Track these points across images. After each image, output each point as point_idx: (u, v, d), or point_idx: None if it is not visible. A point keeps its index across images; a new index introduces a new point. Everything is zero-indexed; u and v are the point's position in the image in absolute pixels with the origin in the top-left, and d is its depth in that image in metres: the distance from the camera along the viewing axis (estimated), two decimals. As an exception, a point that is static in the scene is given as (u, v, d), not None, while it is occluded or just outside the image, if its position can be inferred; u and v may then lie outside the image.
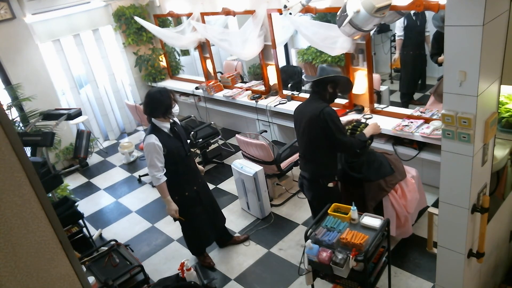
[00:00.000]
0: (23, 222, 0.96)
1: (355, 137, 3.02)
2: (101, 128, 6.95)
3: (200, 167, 3.61)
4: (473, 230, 2.30)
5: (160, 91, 3.11)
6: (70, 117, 4.37)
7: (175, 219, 3.40)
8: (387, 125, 3.95)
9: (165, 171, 3.14)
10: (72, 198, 4.67)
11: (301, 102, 3.20)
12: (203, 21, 5.59)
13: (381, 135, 4.03)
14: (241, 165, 4.20)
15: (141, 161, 6.10)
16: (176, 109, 3.22)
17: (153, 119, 3.14)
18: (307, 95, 4.63)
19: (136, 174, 5.68)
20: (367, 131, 3.07)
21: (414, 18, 4.95)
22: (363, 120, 3.35)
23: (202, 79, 6.38)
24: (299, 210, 4.32)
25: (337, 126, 2.88)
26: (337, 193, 3.19)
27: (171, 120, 3.19)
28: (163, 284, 2.95)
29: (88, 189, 5.58)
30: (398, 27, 5.09)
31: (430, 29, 5.07)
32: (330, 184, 3.08)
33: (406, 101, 5.39)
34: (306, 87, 5.98)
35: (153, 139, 3.04)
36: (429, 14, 4.95)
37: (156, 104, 3.07)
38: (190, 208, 3.40)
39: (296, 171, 4.41)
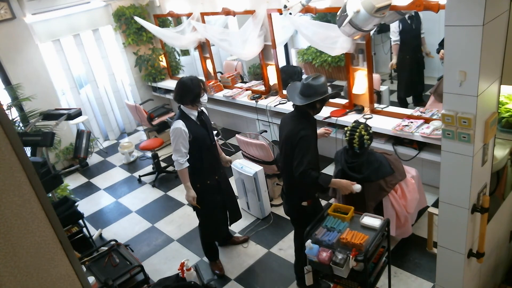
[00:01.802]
0: (23, 222, 0.96)
1: (320, 175, 2.75)
2: (101, 128, 6.96)
3: (226, 157, 3.61)
4: (473, 230, 2.30)
5: (191, 79, 3.16)
6: (70, 117, 4.37)
7: (193, 208, 3.46)
8: (387, 125, 3.95)
9: (188, 157, 3.17)
10: (72, 198, 4.67)
11: (287, 113, 3.05)
12: (203, 21, 5.59)
13: (381, 135, 4.03)
14: (241, 165, 4.20)
15: (141, 161, 6.10)
16: (204, 98, 3.21)
17: (182, 106, 3.19)
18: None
19: (136, 174, 5.68)
20: (334, 183, 2.84)
21: (409, 21, 4.92)
22: (362, 120, 3.35)
23: (202, 79, 6.36)
24: (299, 210, 4.31)
25: (301, 155, 2.69)
26: (311, 213, 2.95)
27: (199, 109, 3.24)
28: (163, 284, 2.95)
29: (88, 189, 5.58)
30: (393, 32, 5.04)
31: (425, 31, 5.05)
32: (304, 203, 2.93)
33: (403, 105, 5.29)
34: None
35: (180, 124, 3.09)
36: (423, 16, 4.95)
37: (186, 91, 3.12)
38: (210, 196, 3.41)
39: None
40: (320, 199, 3.15)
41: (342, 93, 4.75)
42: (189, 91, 3.11)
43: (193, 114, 3.20)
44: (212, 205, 3.45)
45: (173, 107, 7.23)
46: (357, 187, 2.82)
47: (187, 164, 3.18)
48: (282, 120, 3.03)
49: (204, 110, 3.37)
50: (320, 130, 3.13)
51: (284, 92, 5.18)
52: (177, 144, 3.10)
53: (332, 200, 3.76)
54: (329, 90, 2.85)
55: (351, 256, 2.38)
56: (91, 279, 3.00)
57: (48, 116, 4.50)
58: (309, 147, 2.74)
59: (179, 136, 3.08)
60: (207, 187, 3.37)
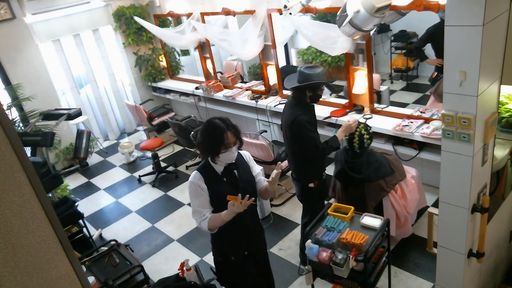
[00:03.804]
0: (23, 222, 0.96)
1: (327, 142, 3.05)
2: (101, 128, 6.96)
3: (278, 169, 2.30)
4: (473, 230, 2.30)
5: (215, 125, 2.25)
6: (70, 117, 4.37)
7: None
8: (387, 125, 3.95)
9: (212, 209, 2.36)
10: (72, 198, 4.67)
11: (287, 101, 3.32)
12: (203, 21, 5.59)
13: (381, 135, 4.03)
14: (241, 165, 4.19)
15: (141, 161, 6.10)
16: (229, 155, 2.27)
17: None
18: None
19: (136, 174, 5.68)
20: (339, 134, 3.12)
21: None
22: (362, 120, 3.35)
23: (202, 79, 6.38)
24: (299, 210, 4.31)
25: (307, 137, 2.97)
26: (319, 194, 3.28)
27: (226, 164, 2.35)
28: (163, 284, 2.95)
29: (88, 189, 5.59)
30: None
31: (427, 24, 4.99)
32: (311, 185, 3.18)
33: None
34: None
35: (196, 178, 2.32)
36: (423, 16, 4.90)
37: (203, 138, 2.31)
38: (232, 276, 2.64)
39: (296, 171, 4.41)
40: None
41: (342, 93, 4.75)
42: (205, 139, 2.29)
43: (219, 168, 2.35)
44: (232, 281, 2.68)
45: (173, 107, 7.23)
46: (352, 119, 3.16)
47: (210, 216, 2.34)
48: (283, 110, 3.27)
49: (245, 158, 2.48)
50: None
51: (284, 92, 5.18)
52: (193, 203, 2.36)
53: (332, 200, 3.76)
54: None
55: (351, 256, 2.38)
56: (91, 279, 3.00)
57: (48, 116, 4.50)
58: (309, 129, 2.97)
59: (193, 193, 2.34)
60: (229, 264, 2.55)
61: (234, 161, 2.35)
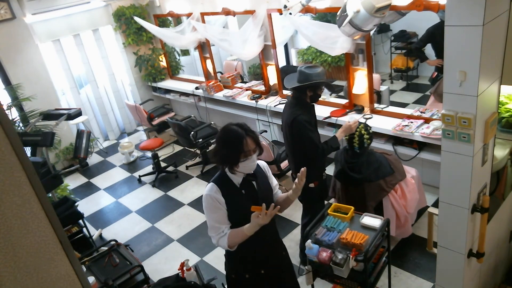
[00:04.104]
0: (23, 222, 0.96)
1: (327, 143, 3.06)
2: (101, 128, 6.96)
3: (292, 193, 2.20)
4: (473, 230, 2.30)
5: (234, 131, 2.06)
6: (70, 117, 4.37)
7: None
8: (387, 125, 3.95)
9: (230, 224, 2.17)
10: (72, 198, 4.67)
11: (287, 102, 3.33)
12: (203, 21, 5.59)
13: (381, 135, 4.03)
14: (241, 165, 4.19)
15: (141, 161, 6.10)
16: (248, 164, 2.08)
17: None
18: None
19: (136, 174, 5.68)
20: (339, 134, 3.14)
21: None
22: (362, 120, 3.35)
23: (202, 79, 6.38)
24: (299, 210, 4.30)
25: (307, 137, 2.98)
26: (319, 194, 3.28)
27: (244, 174, 2.16)
28: (163, 284, 2.95)
29: (88, 189, 5.58)
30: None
31: (427, 24, 4.99)
32: (311, 185, 3.16)
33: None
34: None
35: (213, 191, 2.11)
36: (423, 16, 4.91)
37: (220, 145, 2.12)
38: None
39: (296, 171, 4.41)
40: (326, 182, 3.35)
41: (342, 93, 4.75)
42: (222, 148, 2.09)
43: (237, 179, 2.16)
44: None
45: (173, 107, 7.23)
46: (352, 119, 3.18)
47: (229, 232, 2.16)
48: (283, 110, 3.28)
49: (263, 168, 2.29)
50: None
51: (284, 92, 5.19)
52: (210, 218, 2.17)
53: (332, 200, 3.76)
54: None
55: (351, 256, 2.38)
56: (91, 279, 3.00)
57: (48, 116, 4.50)
58: (309, 129, 2.97)
59: (210, 207, 2.14)
60: (244, 282, 2.35)
61: (253, 171, 2.15)
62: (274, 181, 2.35)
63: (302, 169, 2.12)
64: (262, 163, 2.31)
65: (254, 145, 2.06)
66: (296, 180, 2.12)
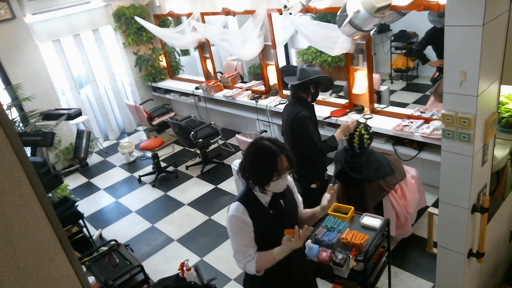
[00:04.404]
0: (23, 222, 0.96)
1: (326, 142, 3.08)
2: (101, 128, 6.96)
3: (320, 210, 2.10)
4: (473, 230, 2.30)
5: (266, 147, 1.88)
6: (70, 117, 4.37)
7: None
8: (387, 125, 3.95)
9: (257, 247, 1.99)
10: (72, 198, 4.67)
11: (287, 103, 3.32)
12: (203, 21, 5.59)
13: (381, 135, 4.03)
14: (241, 165, 4.19)
15: (141, 161, 6.10)
16: (279, 184, 1.90)
17: None
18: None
19: (136, 174, 5.68)
20: (338, 134, 3.15)
21: None
22: (362, 120, 3.35)
23: (202, 79, 6.38)
24: (299, 210, 4.32)
25: (306, 133, 2.99)
26: (321, 196, 3.16)
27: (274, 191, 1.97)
28: (163, 284, 2.95)
29: (88, 189, 5.58)
30: None
31: (426, 24, 4.99)
32: (313, 185, 3.17)
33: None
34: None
35: (239, 211, 1.93)
36: (422, 16, 4.92)
37: (251, 163, 1.93)
38: None
39: (296, 171, 4.41)
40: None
41: (342, 93, 4.75)
42: (254, 165, 1.91)
43: (265, 198, 1.98)
44: None
45: (173, 107, 7.23)
46: (351, 119, 3.19)
47: (256, 255, 1.96)
48: (283, 110, 3.29)
49: (289, 184, 2.09)
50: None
51: (284, 92, 5.19)
52: (236, 241, 1.97)
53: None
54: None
55: (351, 256, 2.38)
56: (91, 279, 3.00)
57: (48, 116, 4.50)
58: (310, 127, 2.99)
59: (236, 229, 1.95)
60: None
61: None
62: (299, 197, 2.21)
63: (335, 186, 2.04)
64: (289, 178, 2.09)
65: (287, 163, 1.89)
66: (329, 197, 2.01)
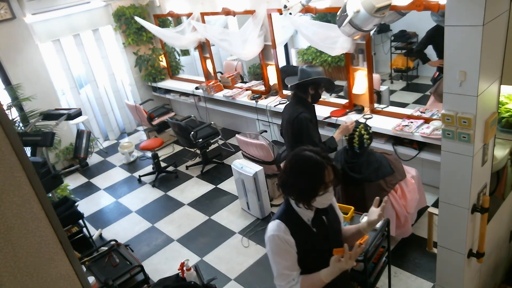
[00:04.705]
0: (23, 222, 0.96)
1: (325, 143, 3.07)
2: (101, 128, 6.96)
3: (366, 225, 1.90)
4: (473, 230, 2.30)
5: (312, 159, 1.71)
6: (70, 117, 4.37)
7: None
8: (387, 125, 3.95)
9: (300, 269, 1.79)
10: (72, 198, 4.67)
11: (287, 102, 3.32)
12: (203, 21, 5.59)
13: (381, 135, 4.03)
14: (241, 165, 4.20)
15: (141, 161, 6.10)
16: (324, 199, 1.72)
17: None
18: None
19: (136, 174, 5.68)
20: (337, 135, 3.15)
21: None
22: (362, 120, 3.35)
23: (202, 79, 6.38)
24: (299, 210, 4.32)
25: (307, 134, 2.98)
26: None
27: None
28: (163, 284, 2.95)
29: (88, 189, 5.58)
30: None
31: (426, 24, 4.98)
32: None
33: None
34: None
35: (281, 230, 1.75)
36: (422, 16, 4.92)
37: (295, 177, 1.73)
38: None
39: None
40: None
41: (342, 93, 4.75)
42: (298, 179, 1.71)
43: (307, 215, 1.80)
44: None
45: (173, 107, 7.24)
46: (350, 120, 3.17)
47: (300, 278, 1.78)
48: (283, 109, 3.29)
49: (333, 202, 1.92)
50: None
51: (284, 92, 5.19)
52: (278, 264, 1.77)
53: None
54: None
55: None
56: (91, 279, 3.00)
57: (48, 116, 4.50)
58: (310, 128, 2.99)
59: (278, 251, 1.76)
60: None
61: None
62: (340, 212, 2.01)
63: (385, 198, 1.91)
64: None
65: (333, 175, 1.72)
66: (378, 211, 1.85)
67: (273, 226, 1.78)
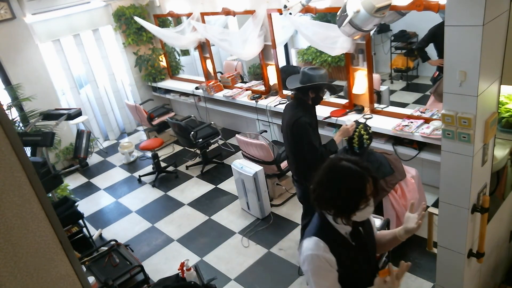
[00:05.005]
0: (23, 222, 0.96)
1: (325, 146, 3.04)
2: (101, 128, 6.96)
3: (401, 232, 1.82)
4: (473, 230, 2.30)
5: (354, 172, 1.57)
6: (70, 117, 4.37)
7: None
8: (387, 125, 3.95)
9: None
10: (72, 198, 4.67)
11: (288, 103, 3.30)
12: (203, 21, 5.59)
13: (381, 135, 4.03)
14: (241, 165, 4.20)
15: (141, 161, 6.10)
16: (365, 212, 1.60)
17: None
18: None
19: (136, 174, 5.68)
20: (337, 138, 3.12)
21: None
22: (362, 120, 3.35)
23: (202, 79, 6.38)
24: (299, 210, 4.31)
25: (307, 139, 2.96)
26: None
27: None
28: (163, 284, 2.95)
29: (88, 189, 5.58)
30: None
31: (426, 24, 4.97)
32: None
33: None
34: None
35: (320, 248, 1.61)
36: (421, 16, 4.91)
37: (335, 191, 1.58)
38: None
39: (296, 171, 4.41)
40: None
41: (342, 93, 4.75)
42: (337, 194, 1.57)
43: (345, 228, 1.66)
44: None
45: (173, 107, 7.24)
46: (350, 122, 3.14)
47: None
48: (284, 111, 3.26)
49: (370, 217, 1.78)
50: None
51: (285, 92, 5.19)
52: (317, 286, 1.63)
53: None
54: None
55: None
56: (91, 279, 3.00)
57: (48, 116, 4.50)
58: (310, 132, 2.96)
59: (319, 271, 1.63)
60: None
61: None
62: (372, 219, 1.88)
63: (423, 204, 1.81)
64: None
65: (372, 187, 1.59)
66: (417, 218, 1.75)
67: (311, 244, 1.62)
